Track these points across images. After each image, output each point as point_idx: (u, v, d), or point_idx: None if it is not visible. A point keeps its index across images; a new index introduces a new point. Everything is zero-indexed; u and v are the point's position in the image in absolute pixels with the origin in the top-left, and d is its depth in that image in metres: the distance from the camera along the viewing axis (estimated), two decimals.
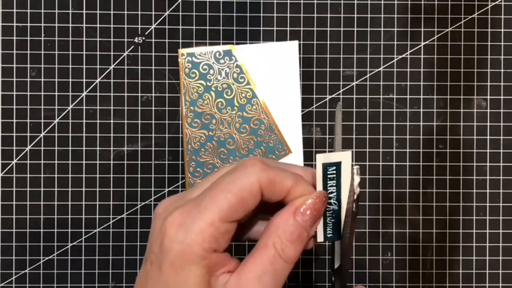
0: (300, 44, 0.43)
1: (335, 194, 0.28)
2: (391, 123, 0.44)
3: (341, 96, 0.44)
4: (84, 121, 0.44)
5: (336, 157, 0.28)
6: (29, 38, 0.43)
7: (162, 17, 0.44)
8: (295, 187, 0.27)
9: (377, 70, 0.44)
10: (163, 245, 0.26)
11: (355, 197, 0.28)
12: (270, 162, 0.28)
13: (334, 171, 0.28)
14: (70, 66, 0.44)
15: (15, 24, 0.44)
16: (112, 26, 0.44)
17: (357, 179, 0.28)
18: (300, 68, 0.43)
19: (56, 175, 0.43)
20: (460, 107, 0.44)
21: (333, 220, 0.29)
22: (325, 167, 0.28)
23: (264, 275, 0.26)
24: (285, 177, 0.27)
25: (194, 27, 0.44)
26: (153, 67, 0.44)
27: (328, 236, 0.29)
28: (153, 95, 0.44)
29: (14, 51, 0.43)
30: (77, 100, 0.44)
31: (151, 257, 0.26)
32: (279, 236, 0.26)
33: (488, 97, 0.44)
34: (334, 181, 0.28)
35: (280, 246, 0.26)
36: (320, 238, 0.29)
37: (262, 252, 0.26)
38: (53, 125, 0.43)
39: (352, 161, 0.30)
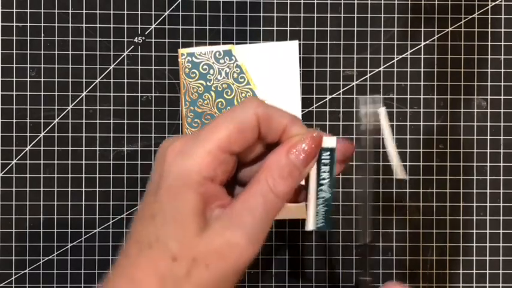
0: (300, 44, 0.43)
1: (328, 180, 0.28)
2: (391, 123, 0.44)
3: (341, 96, 0.44)
4: (84, 121, 0.43)
5: (331, 142, 0.28)
6: (28, 38, 0.43)
7: (162, 17, 0.44)
8: (291, 126, 0.27)
9: (377, 70, 0.44)
10: (163, 171, 0.26)
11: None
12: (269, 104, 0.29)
13: (329, 157, 0.28)
14: (70, 66, 0.44)
15: (15, 24, 0.43)
16: (112, 25, 0.44)
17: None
18: (300, 68, 0.43)
19: (55, 175, 0.43)
20: (460, 107, 0.44)
21: (326, 208, 0.28)
22: (320, 151, 0.28)
23: (255, 208, 0.26)
24: (282, 115, 0.27)
25: (194, 27, 0.44)
26: (153, 67, 0.44)
27: (319, 225, 0.29)
28: (153, 95, 0.44)
29: (14, 51, 0.43)
30: (77, 100, 0.44)
31: (150, 187, 0.27)
32: (271, 172, 0.27)
33: (488, 97, 0.44)
34: (328, 167, 0.28)
35: (272, 181, 0.26)
36: (310, 226, 0.29)
37: (255, 187, 0.27)
38: (52, 125, 0.43)
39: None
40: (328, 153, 0.28)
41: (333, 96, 0.44)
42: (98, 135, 0.43)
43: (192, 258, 0.25)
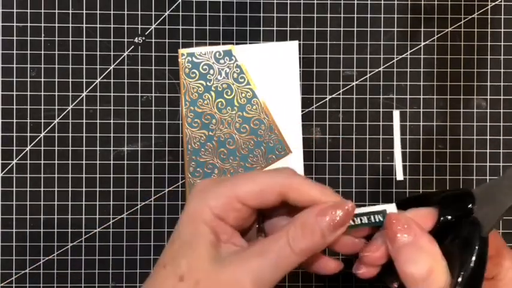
0: (300, 44, 0.43)
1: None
2: (391, 123, 0.44)
3: (341, 96, 0.44)
4: (84, 121, 0.44)
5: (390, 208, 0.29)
6: (29, 38, 0.43)
7: (162, 17, 0.44)
8: (320, 197, 0.29)
9: (377, 70, 0.44)
10: (186, 204, 0.30)
11: None
12: (304, 177, 0.30)
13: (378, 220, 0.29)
14: (70, 66, 0.44)
15: (15, 24, 0.44)
16: (112, 26, 0.44)
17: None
18: (300, 68, 0.43)
19: (56, 175, 0.43)
20: (460, 107, 0.44)
21: None
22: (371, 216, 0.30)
23: (268, 253, 0.27)
24: (310, 188, 0.29)
25: (194, 27, 0.44)
26: (153, 67, 0.44)
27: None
28: (153, 95, 0.44)
29: (14, 51, 0.43)
30: (77, 100, 0.44)
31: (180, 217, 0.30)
32: (295, 227, 0.28)
33: (488, 97, 0.44)
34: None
35: (292, 234, 0.27)
36: None
37: (275, 236, 0.28)
38: (53, 125, 0.43)
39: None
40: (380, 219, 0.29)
41: (333, 96, 0.44)
42: (98, 135, 0.44)
43: (196, 281, 0.27)
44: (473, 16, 0.44)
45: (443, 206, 0.30)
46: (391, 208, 0.29)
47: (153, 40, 0.44)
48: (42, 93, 0.43)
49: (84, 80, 0.44)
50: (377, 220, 0.29)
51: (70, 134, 0.44)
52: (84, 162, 0.43)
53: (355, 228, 0.30)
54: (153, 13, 0.44)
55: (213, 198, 0.28)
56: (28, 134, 0.43)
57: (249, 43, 0.44)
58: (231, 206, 0.28)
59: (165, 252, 0.29)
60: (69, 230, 0.43)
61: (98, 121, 0.43)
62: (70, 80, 0.44)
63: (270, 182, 0.29)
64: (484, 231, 0.28)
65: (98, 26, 0.44)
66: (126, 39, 0.44)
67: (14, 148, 0.43)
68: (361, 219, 0.29)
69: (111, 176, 0.43)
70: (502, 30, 0.44)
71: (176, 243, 0.29)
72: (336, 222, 0.28)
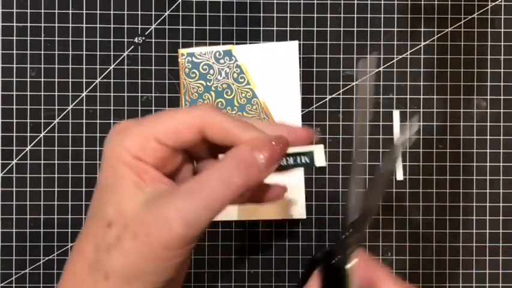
0: (300, 44, 0.43)
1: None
2: (391, 123, 0.44)
3: (341, 96, 0.44)
4: (84, 121, 0.44)
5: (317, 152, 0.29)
6: (29, 38, 0.43)
7: (162, 17, 0.44)
8: (243, 133, 0.27)
9: (377, 70, 0.44)
10: (104, 147, 0.28)
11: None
12: (226, 113, 0.29)
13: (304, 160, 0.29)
14: (70, 66, 0.44)
15: (15, 24, 0.44)
16: (112, 26, 0.44)
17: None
18: (300, 68, 0.43)
19: (56, 175, 0.43)
20: (460, 107, 0.44)
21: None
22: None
23: (199, 192, 0.26)
24: (231, 122, 0.27)
25: (194, 27, 0.44)
26: (153, 67, 0.44)
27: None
28: (153, 95, 0.44)
29: (14, 51, 0.43)
30: (77, 100, 0.44)
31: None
32: (227, 162, 0.27)
33: (488, 97, 0.44)
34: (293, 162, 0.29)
35: (225, 171, 0.26)
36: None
37: (206, 174, 0.26)
38: (53, 125, 0.43)
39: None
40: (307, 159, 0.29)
41: (333, 96, 0.44)
42: (98, 135, 0.44)
43: (124, 225, 0.26)
44: (473, 16, 0.44)
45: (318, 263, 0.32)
46: (318, 149, 0.29)
47: (153, 40, 0.44)
48: (42, 93, 0.43)
49: (84, 80, 0.44)
50: (304, 162, 0.29)
51: (70, 134, 0.44)
52: (84, 162, 0.43)
53: (285, 169, 0.29)
54: (153, 13, 0.44)
55: (129, 139, 0.27)
56: (28, 134, 0.43)
57: (249, 43, 0.44)
58: (148, 145, 0.27)
59: (92, 202, 0.28)
60: (69, 230, 0.43)
61: (98, 121, 0.43)
62: (70, 80, 0.44)
63: (186, 118, 0.27)
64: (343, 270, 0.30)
65: (98, 26, 0.44)
66: (126, 39, 0.44)
67: (14, 148, 0.43)
68: (287, 160, 0.28)
69: None
70: (502, 30, 0.44)
71: (100, 191, 0.28)
72: (273, 156, 0.27)
